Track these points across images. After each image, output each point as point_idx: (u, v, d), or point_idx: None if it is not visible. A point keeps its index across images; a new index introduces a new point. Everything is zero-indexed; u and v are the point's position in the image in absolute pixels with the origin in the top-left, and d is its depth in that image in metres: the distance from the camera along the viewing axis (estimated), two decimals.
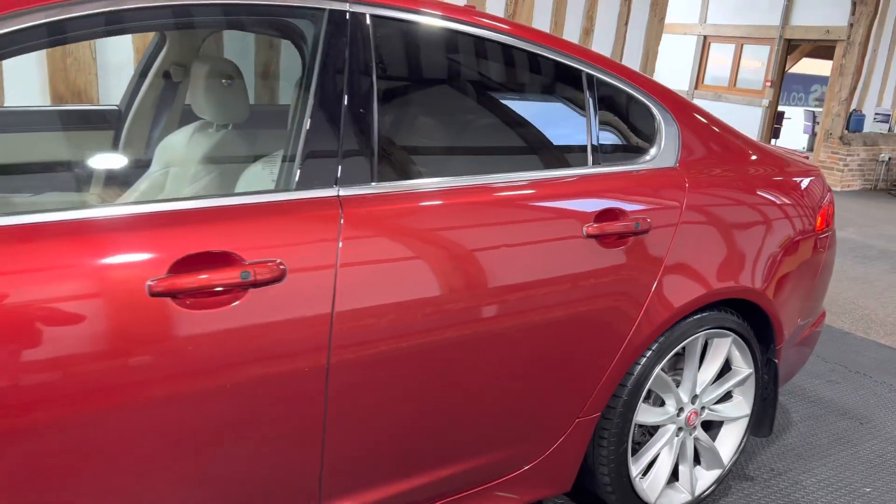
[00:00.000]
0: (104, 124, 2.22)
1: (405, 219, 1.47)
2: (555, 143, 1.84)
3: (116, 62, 3.38)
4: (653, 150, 1.96)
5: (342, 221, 1.38)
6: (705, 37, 12.10)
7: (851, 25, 9.46)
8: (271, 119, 2.54)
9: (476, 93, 1.74)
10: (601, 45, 5.40)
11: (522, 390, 1.74)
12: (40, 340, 1.12)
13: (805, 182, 2.31)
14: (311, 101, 1.42)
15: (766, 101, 11.21)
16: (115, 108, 2.28)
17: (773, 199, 2.17)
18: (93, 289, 1.14)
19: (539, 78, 1.81)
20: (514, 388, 1.72)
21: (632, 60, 5.65)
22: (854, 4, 9.42)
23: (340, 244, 1.37)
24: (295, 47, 1.81)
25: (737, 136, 2.18)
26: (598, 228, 1.74)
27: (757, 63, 11.46)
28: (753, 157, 2.19)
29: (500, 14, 4.76)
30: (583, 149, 1.84)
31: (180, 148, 1.90)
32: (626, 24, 5.49)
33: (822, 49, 11.22)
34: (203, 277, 1.22)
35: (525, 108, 1.82)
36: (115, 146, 2.21)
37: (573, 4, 5.08)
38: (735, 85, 11.81)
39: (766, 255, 2.13)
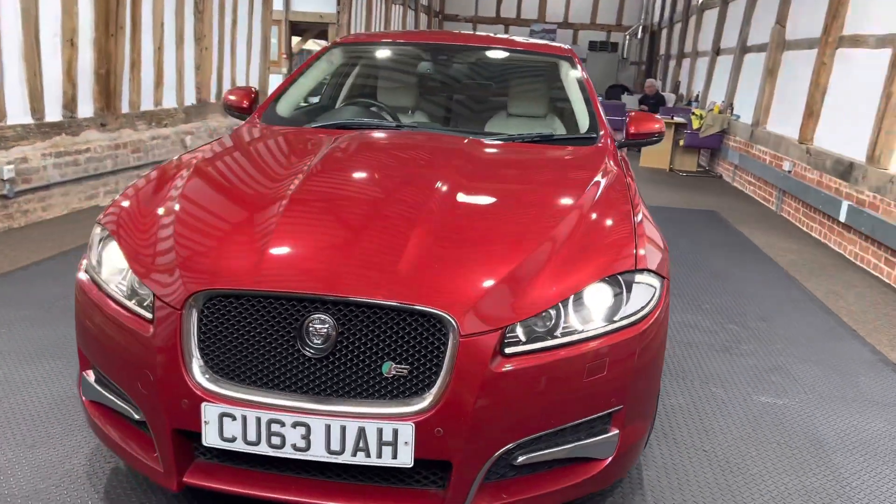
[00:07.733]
0: None
1: None
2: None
3: None
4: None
5: None
6: None
7: (339, 13, 13.46)
8: None
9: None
10: (242, 36, 7.84)
11: None
12: None
13: None
14: None
15: (284, 70, 14.57)
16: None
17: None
18: None
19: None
20: None
21: (255, 45, 8.22)
22: None
23: None
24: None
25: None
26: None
27: (273, 40, 14.72)
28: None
29: None
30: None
31: None
32: (251, 17, 8.06)
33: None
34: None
35: None
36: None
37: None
38: None
39: None
